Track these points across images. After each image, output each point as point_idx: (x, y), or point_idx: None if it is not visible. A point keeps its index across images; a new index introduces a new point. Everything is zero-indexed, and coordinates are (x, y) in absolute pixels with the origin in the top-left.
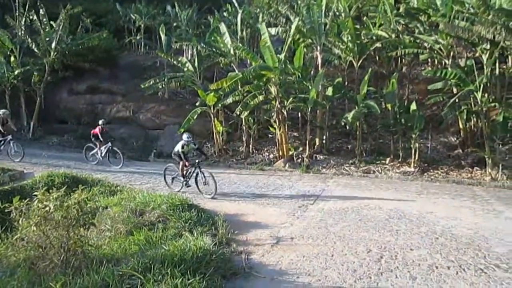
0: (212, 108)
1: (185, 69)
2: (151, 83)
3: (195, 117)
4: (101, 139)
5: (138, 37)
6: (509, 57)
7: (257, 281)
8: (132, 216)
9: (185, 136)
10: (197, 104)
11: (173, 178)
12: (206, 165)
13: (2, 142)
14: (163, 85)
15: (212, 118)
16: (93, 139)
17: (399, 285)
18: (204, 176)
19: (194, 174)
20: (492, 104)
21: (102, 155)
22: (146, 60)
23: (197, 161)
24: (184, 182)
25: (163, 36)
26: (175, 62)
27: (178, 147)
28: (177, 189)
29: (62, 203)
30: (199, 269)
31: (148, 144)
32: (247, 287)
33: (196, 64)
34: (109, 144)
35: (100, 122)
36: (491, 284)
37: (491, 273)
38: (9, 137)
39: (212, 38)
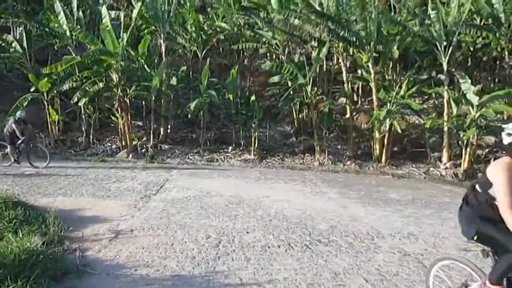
0: (46, 95)
1: (12, 49)
2: None
3: (24, 104)
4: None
5: None
6: (335, 56)
7: (91, 278)
8: None
9: None
10: (31, 90)
11: None
12: (38, 158)
13: None
14: None
15: (46, 106)
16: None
17: (234, 267)
18: None
19: None
20: (320, 97)
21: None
22: None
23: None
24: None
25: None
26: None
27: None
28: None
29: None
30: (23, 273)
31: None
32: (80, 286)
33: (25, 44)
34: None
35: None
36: (313, 258)
37: (314, 247)
38: None
39: (46, 17)
